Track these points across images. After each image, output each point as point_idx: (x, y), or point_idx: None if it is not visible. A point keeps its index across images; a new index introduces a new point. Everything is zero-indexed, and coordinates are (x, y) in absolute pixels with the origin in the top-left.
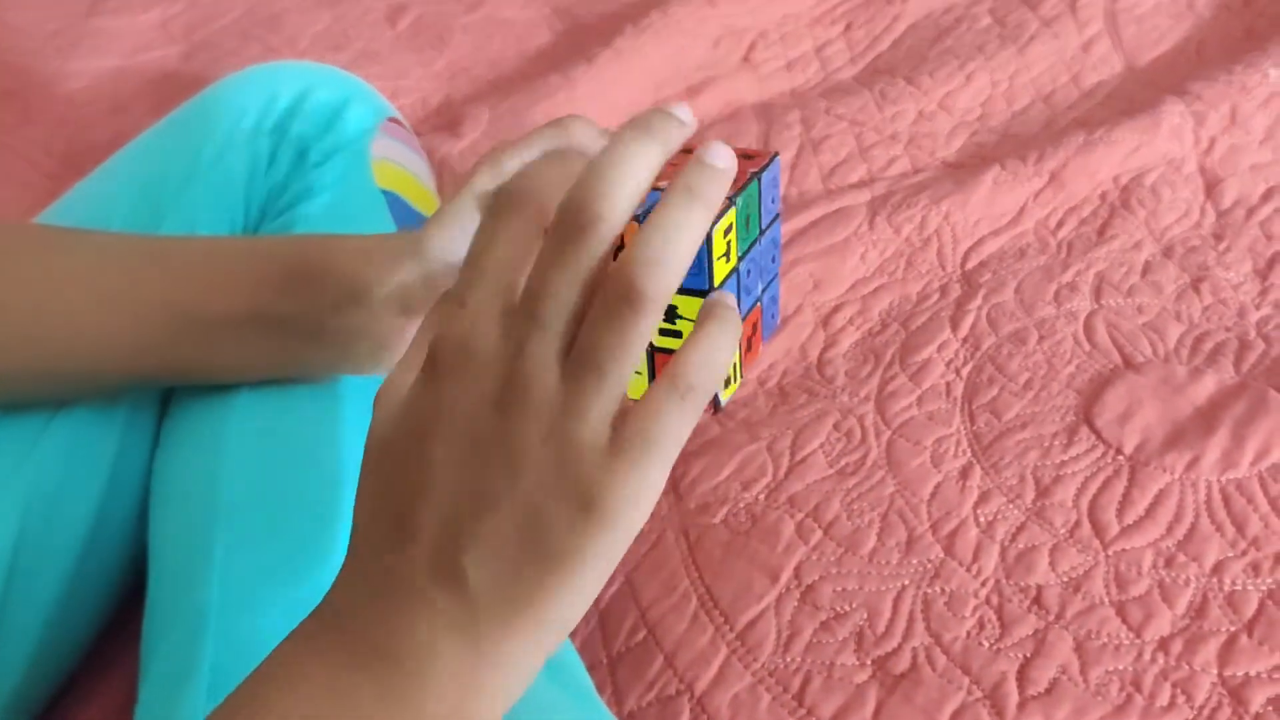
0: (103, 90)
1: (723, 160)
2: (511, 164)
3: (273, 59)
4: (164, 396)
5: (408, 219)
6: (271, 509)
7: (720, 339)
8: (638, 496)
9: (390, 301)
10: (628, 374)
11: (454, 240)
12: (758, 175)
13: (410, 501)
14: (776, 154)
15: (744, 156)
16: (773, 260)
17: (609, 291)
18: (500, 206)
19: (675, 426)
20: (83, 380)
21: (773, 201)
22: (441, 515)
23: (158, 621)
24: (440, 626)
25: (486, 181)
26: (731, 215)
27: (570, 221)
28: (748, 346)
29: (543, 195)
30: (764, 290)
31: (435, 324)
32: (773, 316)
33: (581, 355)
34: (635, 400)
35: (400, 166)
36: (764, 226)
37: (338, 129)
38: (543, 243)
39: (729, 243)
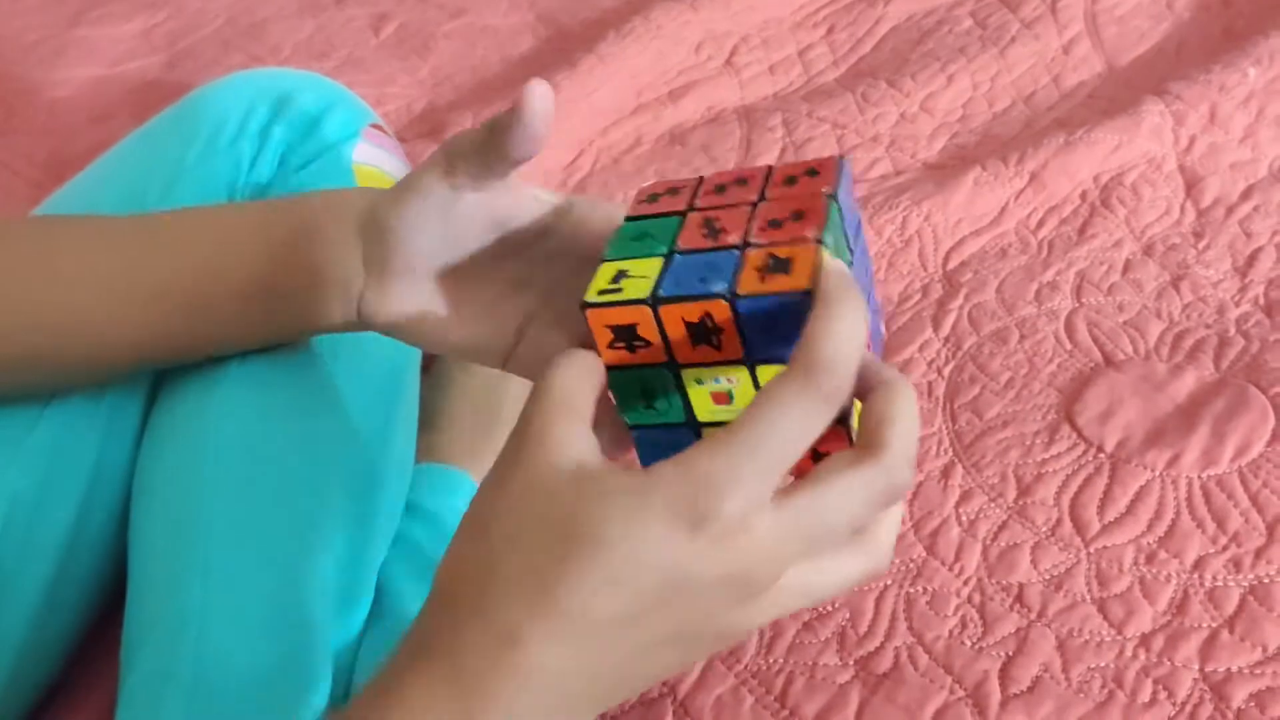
0: (86, 99)
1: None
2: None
3: (256, 68)
4: (147, 395)
5: None
6: (254, 512)
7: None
8: None
9: (355, 261)
10: None
11: (401, 199)
12: (833, 196)
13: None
14: (843, 158)
15: (808, 174)
16: (867, 273)
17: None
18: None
19: None
20: (83, 366)
21: (853, 211)
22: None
23: (139, 623)
24: None
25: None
26: (826, 254)
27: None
28: None
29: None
30: (870, 308)
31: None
32: (879, 332)
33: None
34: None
35: (382, 172)
36: (852, 244)
37: (319, 134)
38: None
39: None
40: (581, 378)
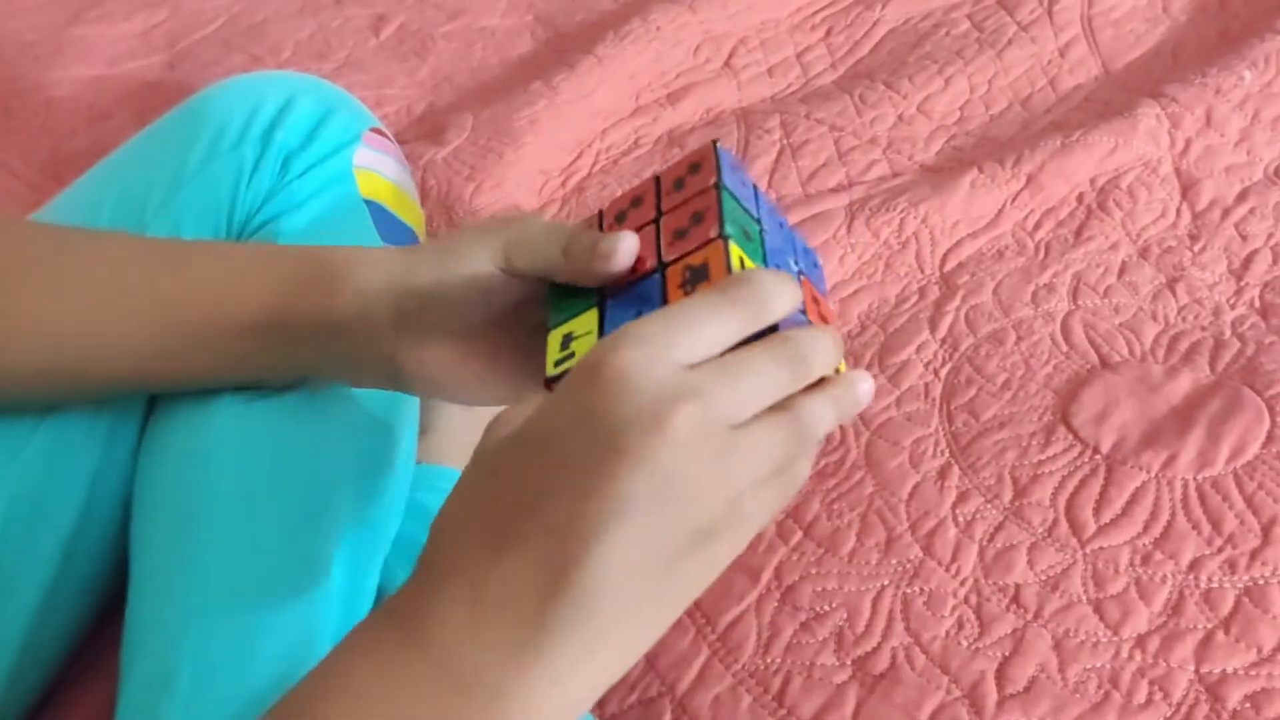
0: (84, 99)
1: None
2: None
3: (256, 68)
4: (148, 404)
5: (391, 229)
6: (254, 517)
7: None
8: None
9: (388, 312)
10: None
11: (443, 278)
12: (719, 186)
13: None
14: (716, 142)
15: (691, 171)
16: (780, 225)
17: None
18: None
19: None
20: (80, 381)
21: (744, 185)
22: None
23: (138, 628)
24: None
25: (495, 236)
26: (733, 248)
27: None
28: (821, 319)
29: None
30: (796, 261)
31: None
32: (815, 267)
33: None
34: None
35: (383, 176)
36: (756, 214)
37: (321, 139)
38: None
39: (742, 262)
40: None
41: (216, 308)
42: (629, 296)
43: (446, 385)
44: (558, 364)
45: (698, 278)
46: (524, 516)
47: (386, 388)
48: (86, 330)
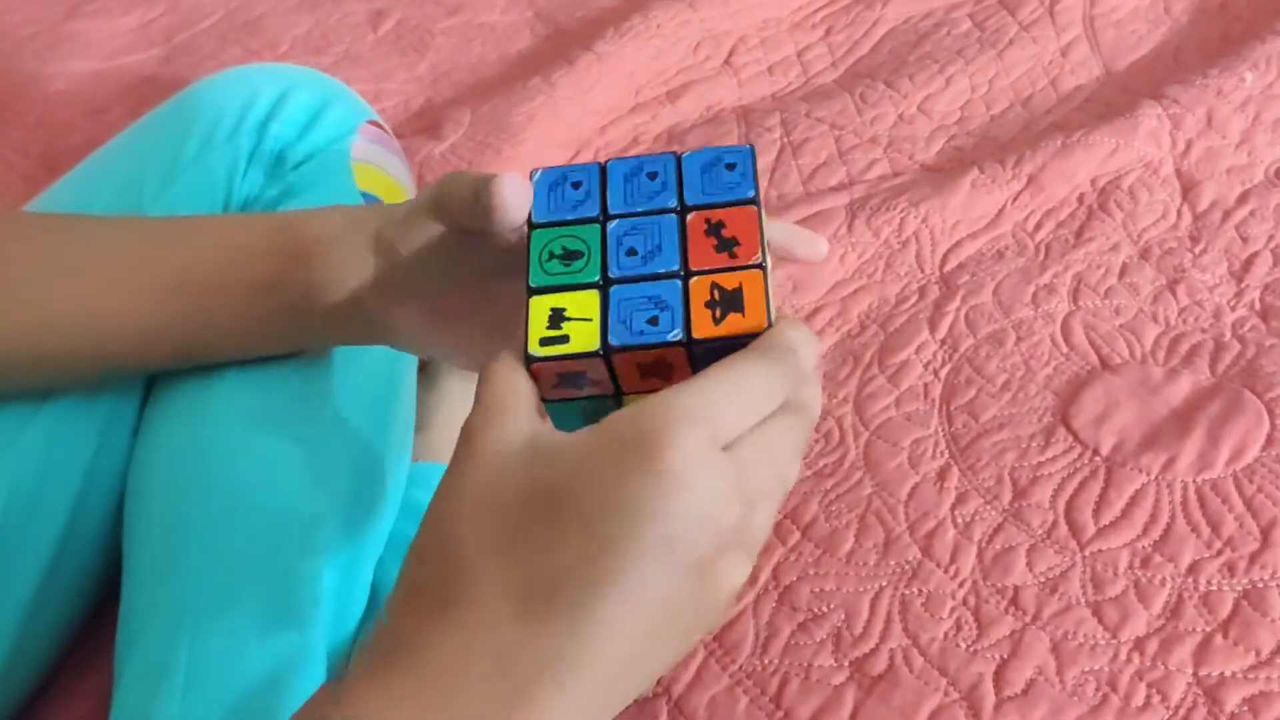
0: (81, 93)
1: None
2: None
3: (253, 62)
4: (144, 391)
5: None
6: (251, 509)
7: None
8: None
9: (368, 273)
10: None
11: (413, 237)
12: (755, 201)
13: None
14: (751, 148)
15: (724, 165)
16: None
17: None
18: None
19: None
20: (90, 363)
21: (754, 181)
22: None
23: (133, 621)
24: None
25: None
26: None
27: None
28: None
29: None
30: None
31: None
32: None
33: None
34: None
35: (380, 169)
36: (760, 202)
37: (317, 131)
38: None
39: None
40: (520, 373)
41: (227, 274)
42: (639, 292)
43: (426, 345)
44: (544, 343)
45: (731, 306)
46: (546, 593)
47: (382, 344)
48: (88, 313)
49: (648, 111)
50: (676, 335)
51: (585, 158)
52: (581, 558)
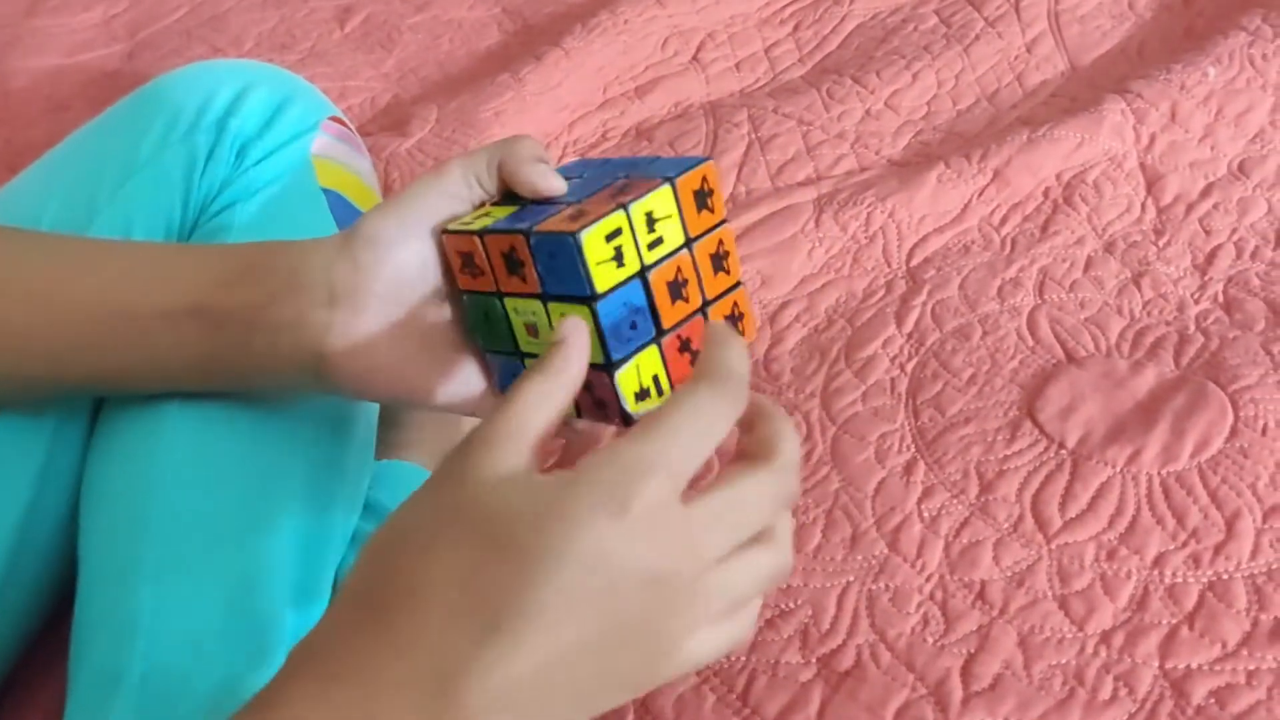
0: (42, 89)
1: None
2: (455, 177)
3: (217, 59)
4: (95, 406)
5: (350, 218)
6: (206, 509)
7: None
8: None
9: (320, 289)
10: None
11: (387, 231)
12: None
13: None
14: (703, 161)
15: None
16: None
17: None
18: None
19: None
20: (8, 385)
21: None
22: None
23: (87, 623)
24: None
25: (430, 185)
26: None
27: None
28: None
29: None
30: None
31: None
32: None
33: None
34: None
35: (342, 165)
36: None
37: (278, 127)
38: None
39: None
40: (530, 405)
41: (141, 298)
42: (538, 208)
43: (377, 374)
44: (457, 225)
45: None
46: (509, 620)
47: (311, 389)
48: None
49: (616, 107)
50: (522, 226)
51: (554, 154)
52: (521, 592)
